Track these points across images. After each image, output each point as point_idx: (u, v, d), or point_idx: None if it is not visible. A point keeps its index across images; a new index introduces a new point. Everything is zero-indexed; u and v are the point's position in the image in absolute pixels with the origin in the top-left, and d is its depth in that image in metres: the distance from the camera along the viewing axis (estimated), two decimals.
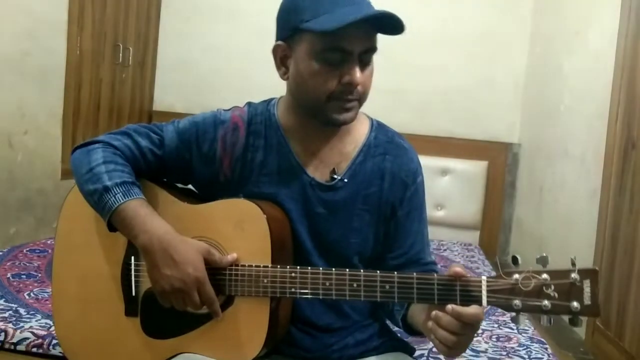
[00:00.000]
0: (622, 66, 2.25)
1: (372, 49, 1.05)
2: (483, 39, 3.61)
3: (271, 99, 1.20)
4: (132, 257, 1.13)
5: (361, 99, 1.08)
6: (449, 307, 0.92)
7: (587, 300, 0.91)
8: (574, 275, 0.91)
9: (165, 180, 1.20)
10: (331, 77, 1.03)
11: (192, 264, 1.01)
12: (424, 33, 3.59)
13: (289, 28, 1.06)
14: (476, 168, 3.58)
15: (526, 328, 1.84)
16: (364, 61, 1.05)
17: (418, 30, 3.60)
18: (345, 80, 1.03)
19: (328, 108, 1.06)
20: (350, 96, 1.05)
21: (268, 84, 1.14)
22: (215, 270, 1.05)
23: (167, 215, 1.08)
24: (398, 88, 3.61)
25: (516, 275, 0.94)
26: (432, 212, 3.51)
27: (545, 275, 0.92)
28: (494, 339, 1.75)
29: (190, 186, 1.23)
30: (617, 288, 2.15)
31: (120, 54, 3.51)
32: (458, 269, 0.95)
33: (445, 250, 3.19)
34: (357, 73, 1.03)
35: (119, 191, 1.05)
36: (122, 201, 1.04)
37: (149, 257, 1.03)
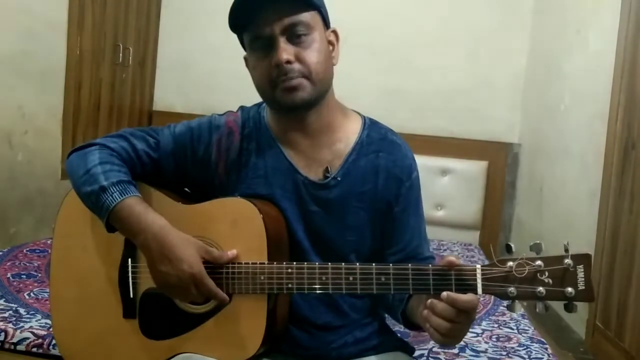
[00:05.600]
0: (622, 66, 2.25)
1: (295, 24, 1.05)
2: (483, 39, 3.61)
3: (262, 102, 1.20)
4: (129, 259, 1.14)
5: (309, 76, 1.06)
6: (444, 294, 0.93)
7: (581, 285, 0.92)
8: (567, 260, 0.92)
9: (160, 183, 1.20)
10: (265, 64, 1.07)
11: (186, 261, 1.02)
12: (424, 33, 3.58)
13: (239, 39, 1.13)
14: (476, 168, 3.58)
15: (526, 328, 1.84)
16: (296, 38, 1.06)
17: (418, 30, 3.61)
18: (273, 63, 1.05)
19: (276, 95, 1.08)
20: (285, 76, 1.05)
21: None
22: (212, 269, 1.05)
23: (163, 216, 1.07)
24: (398, 88, 3.62)
25: (510, 263, 0.94)
26: (432, 212, 3.52)
27: (539, 262, 0.93)
28: (494, 339, 1.75)
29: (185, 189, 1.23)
30: (617, 288, 2.15)
31: (120, 54, 3.52)
32: (452, 258, 0.96)
33: (445, 250, 3.18)
34: (280, 52, 1.04)
35: (115, 190, 1.05)
36: (118, 200, 1.05)
37: (147, 255, 1.04)
